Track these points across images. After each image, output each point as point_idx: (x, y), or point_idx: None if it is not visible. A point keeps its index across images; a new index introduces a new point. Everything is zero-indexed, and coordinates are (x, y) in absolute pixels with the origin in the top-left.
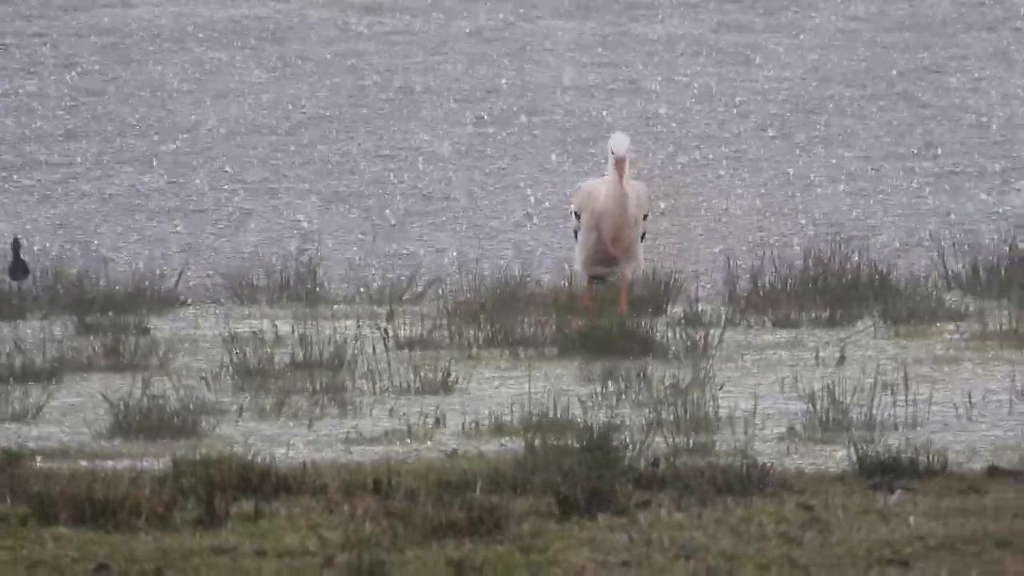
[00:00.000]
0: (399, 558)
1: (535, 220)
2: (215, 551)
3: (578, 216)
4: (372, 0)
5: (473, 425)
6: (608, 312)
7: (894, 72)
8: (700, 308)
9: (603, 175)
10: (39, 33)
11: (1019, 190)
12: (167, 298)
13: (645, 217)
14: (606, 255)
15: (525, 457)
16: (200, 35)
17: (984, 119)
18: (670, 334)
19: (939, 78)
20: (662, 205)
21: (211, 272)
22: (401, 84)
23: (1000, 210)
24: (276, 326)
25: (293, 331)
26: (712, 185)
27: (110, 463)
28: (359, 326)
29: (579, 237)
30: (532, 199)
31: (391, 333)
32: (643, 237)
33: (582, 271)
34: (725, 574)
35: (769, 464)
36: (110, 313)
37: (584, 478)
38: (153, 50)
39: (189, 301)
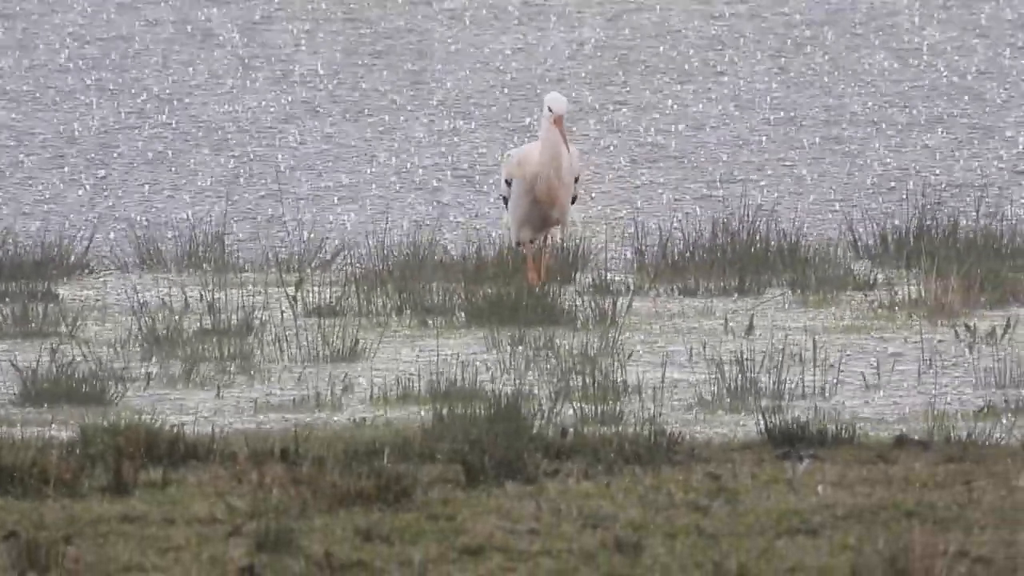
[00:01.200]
0: (307, 526)
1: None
2: (123, 519)
3: (508, 183)
4: None
5: (381, 393)
6: (517, 280)
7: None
8: (609, 276)
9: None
10: None
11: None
12: (76, 265)
13: (576, 180)
14: (542, 217)
15: (433, 425)
16: None
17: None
18: (579, 302)
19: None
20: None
21: (121, 239)
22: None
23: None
24: (185, 293)
25: (202, 299)
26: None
27: (18, 430)
28: (267, 294)
29: (511, 204)
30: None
31: (299, 301)
32: (574, 200)
33: (517, 238)
34: (633, 543)
35: (677, 433)
36: (19, 280)
37: (492, 446)
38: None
39: (98, 268)
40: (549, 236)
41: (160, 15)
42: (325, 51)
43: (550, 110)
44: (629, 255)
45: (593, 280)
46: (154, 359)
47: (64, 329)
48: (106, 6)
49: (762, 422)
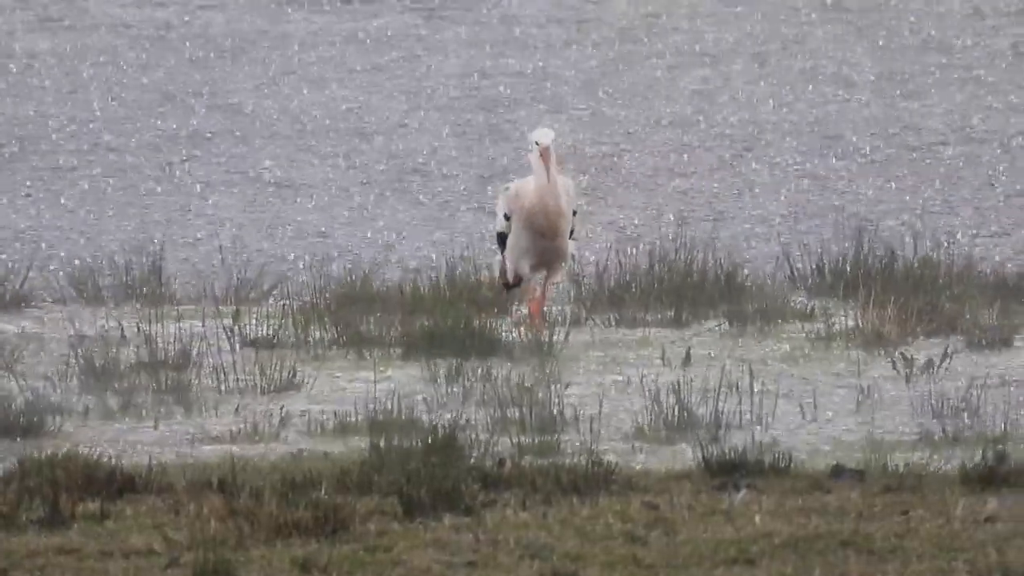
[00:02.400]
0: (245, 557)
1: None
2: (61, 551)
3: (508, 218)
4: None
5: (318, 425)
6: (454, 312)
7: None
8: (546, 307)
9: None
10: None
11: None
12: (13, 298)
13: (574, 213)
14: (544, 250)
15: (370, 457)
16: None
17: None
18: (515, 333)
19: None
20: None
21: (59, 271)
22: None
23: (844, 208)
24: (122, 326)
25: (139, 331)
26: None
27: None
28: (204, 325)
29: (510, 240)
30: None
31: (237, 332)
32: (572, 234)
33: (516, 271)
34: (571, 574)
35: (615, 464)
36: None
37: (429, 478)
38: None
39: (35, 301)
40: (549, 275)
41: None
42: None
43: (536, 143)
44: (566, 285)
45: (518, 314)
46: (91, 391)
47: (1, 362)
48: None
49: (699, 452)
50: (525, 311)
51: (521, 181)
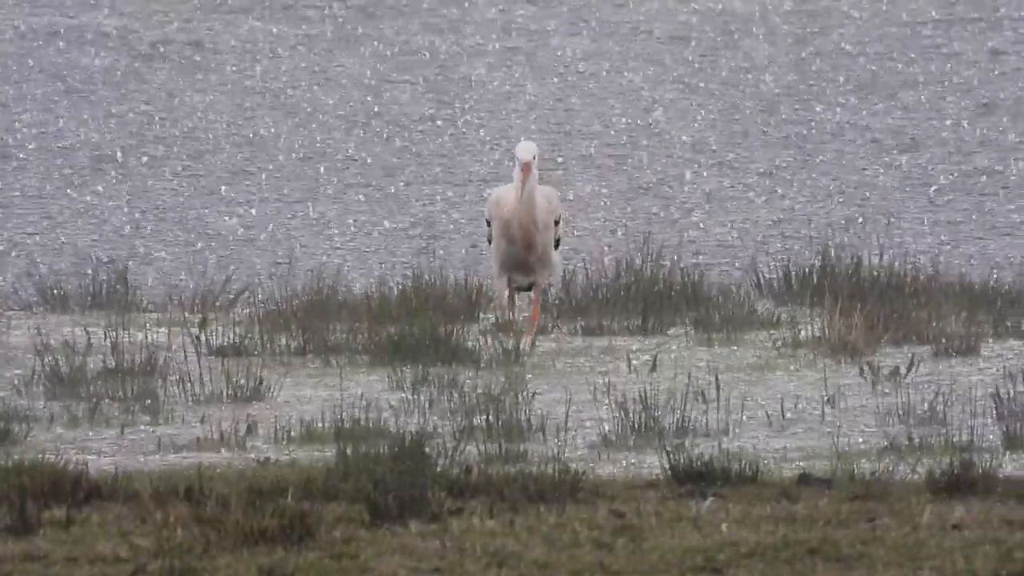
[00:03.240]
0: (211, 565)
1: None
2: (27, 558)
3: (489, 223)
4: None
5: (285, 432)
6: (421, 320)
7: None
8: (514, 316)
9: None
10: None
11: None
12: None
13: (557, 222)
14: (520, 261)
15: (337, 464)
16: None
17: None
18: (482, 341)
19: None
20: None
21: (24, 277)
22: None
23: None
24: (88, 333)
25: (105, 338)
26: None
27: None
28: (170, 333)
29: (492, 245)
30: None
31: (203, 340)
32: (558, 244)
33: (498, 278)
34: None
35: (582, 471)
36: None
37: (396, 485)
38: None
39: (1, 309)
40: (535, 285)
41: None
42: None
43: (517, 158)
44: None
45: (497, 319)
46: (58, 399)
47: None
48: None
49: (666, 460)
50: (500, 319)
51: (504, 188)
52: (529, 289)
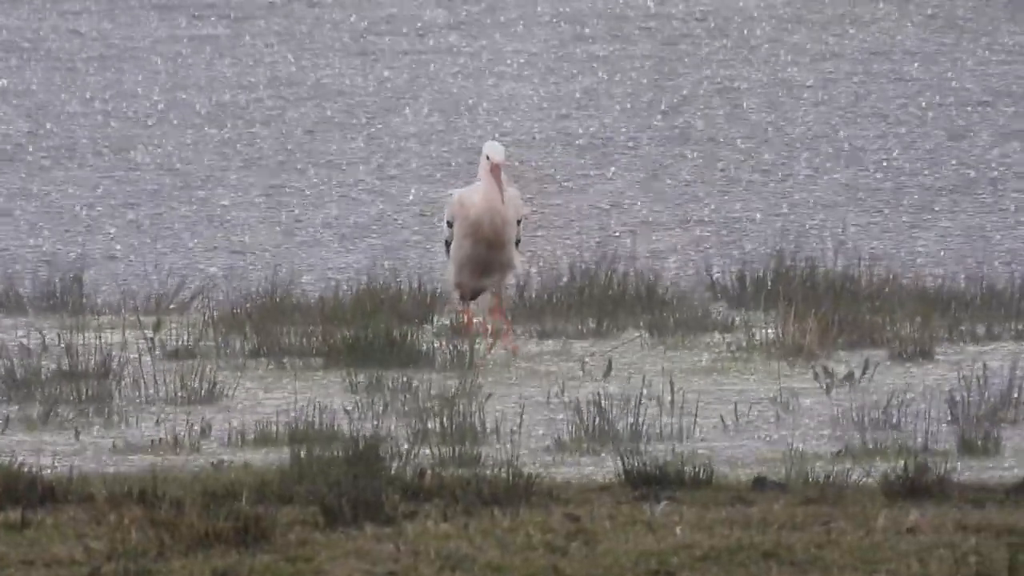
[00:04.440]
0: (165, 567)
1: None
2: None
3: (450, 225)
4: None
5: (239, 435)
6: (375, 322)
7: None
8: (469, 318)
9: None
10: None
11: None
12: None
13: (519, 222)
14: (483, 262)
15: (291, 467)
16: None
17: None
18: (436, 344)
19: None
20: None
21: None
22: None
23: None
24: (43, 335)
25: (59, 341)
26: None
27: None
28: (125, 336)
29: (452, 248)
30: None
31: (157, 343)
32: (518, 243)
33: (457, 283)
34: None
35: (536, 475)
36: None
37: (350, 488)
38: None
39: None
40: (500, 285)
41: None
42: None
43: (488, 158)
44: (487, 297)
45: (451, 322)
46: (12, 401)
47: None
48: None
49: (620, 464)
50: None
51: (466, 189)
52: (482, 291)
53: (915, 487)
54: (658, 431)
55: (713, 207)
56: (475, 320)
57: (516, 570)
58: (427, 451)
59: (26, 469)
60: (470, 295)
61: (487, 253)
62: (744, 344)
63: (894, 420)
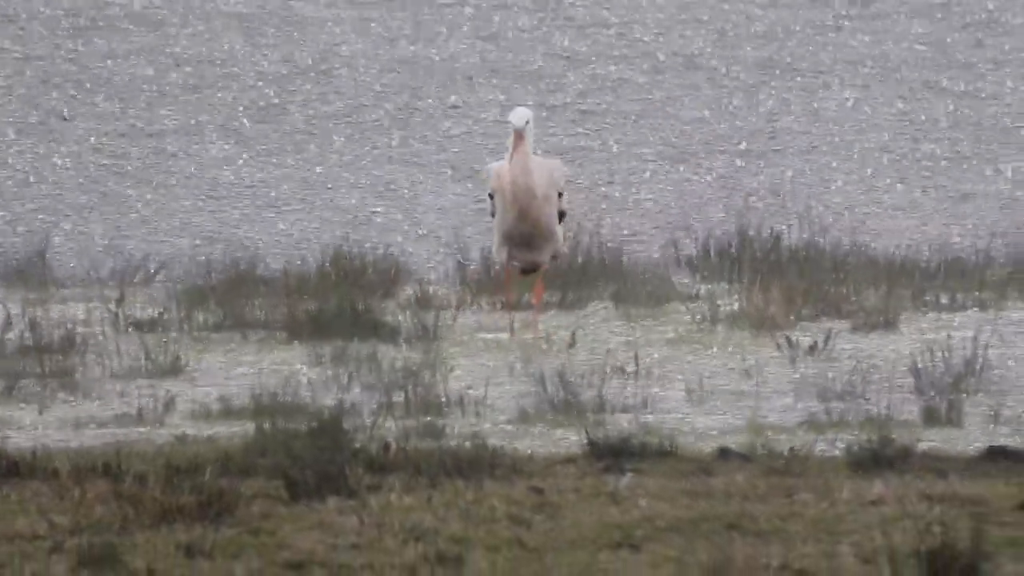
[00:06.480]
0: (129, 541)
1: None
2: None
3: (492, 196)
4: None
5: (203, 409)
6: (339, 295)
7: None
8: (431, 290)
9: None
10: None
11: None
12: None
13: (560, 195)
14: (524, 236)
15: (255, 441)
16: None
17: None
18: (400, 317)
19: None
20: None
21: None
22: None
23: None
24: (7, 309)
25: (23, 314)
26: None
27: None
28: (88, 309)
29: (495, 221)
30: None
31: (121, 316)
32: (562, 218)
33: (499, 254)
34: (455, 557)
35: (500, 447)
36: None
37: (314, 461)
38: None
39: None
40: (541, 262)
41: None
42: None
43: (511, 125)
44: (451, 269)
45: (415, 294)
46: None
47: None
48: None
49: (584, 436)
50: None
51: (502, 161)
52: (535, 271)
53: (879, 458)
54: (622, 402)
55: (677, 179)
56: (512, 297)
57: (480, 542)
58: (391, 424)
59: None
60: (519, 270)
61: (525, 225)
62: (709, 315)
63: (858, 391)
